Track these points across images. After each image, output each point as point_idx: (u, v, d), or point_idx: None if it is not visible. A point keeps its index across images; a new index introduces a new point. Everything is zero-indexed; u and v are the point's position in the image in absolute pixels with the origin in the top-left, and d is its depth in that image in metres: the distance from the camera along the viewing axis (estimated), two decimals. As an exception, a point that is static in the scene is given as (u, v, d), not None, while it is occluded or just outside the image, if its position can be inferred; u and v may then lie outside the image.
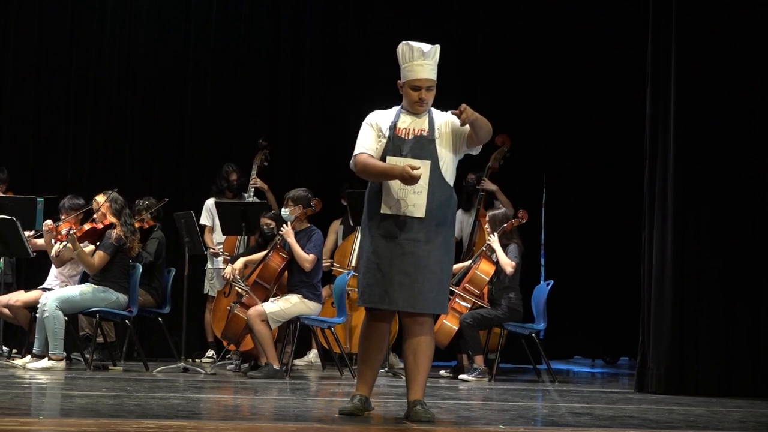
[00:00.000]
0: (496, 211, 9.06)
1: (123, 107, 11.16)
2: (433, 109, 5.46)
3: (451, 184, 5.42)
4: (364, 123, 5.47)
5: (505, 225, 8.87)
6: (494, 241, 8.80)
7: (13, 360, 8.77)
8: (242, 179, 10.26)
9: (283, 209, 8.69)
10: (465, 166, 10.09)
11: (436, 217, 5.32)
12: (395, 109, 5.48)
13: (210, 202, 10.18)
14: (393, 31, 10.58)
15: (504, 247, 8.80)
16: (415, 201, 5.29)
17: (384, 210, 5.32)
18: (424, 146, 5.33)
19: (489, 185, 10.00)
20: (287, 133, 11.35)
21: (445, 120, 5.42)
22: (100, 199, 8.78)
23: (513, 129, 10.71)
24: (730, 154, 7.59)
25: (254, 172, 10.28)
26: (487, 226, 9.06)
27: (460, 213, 10.30)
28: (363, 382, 5.49)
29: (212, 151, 10.91)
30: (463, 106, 5.23)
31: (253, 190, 10.23)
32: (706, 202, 7.58)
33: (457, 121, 5.37)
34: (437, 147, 5.35)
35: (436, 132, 5.37)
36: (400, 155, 5.31)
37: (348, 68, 11.44)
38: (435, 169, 5.31)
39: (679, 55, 7.65)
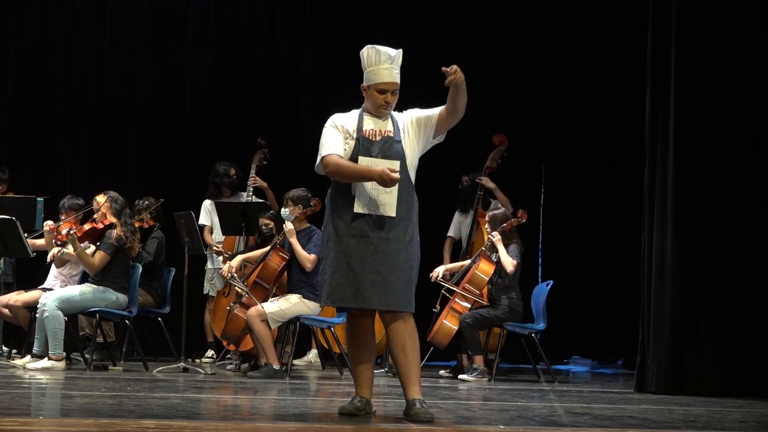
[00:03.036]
0: (497, 211, 9.07)
1: (123, 107, 11.17)
2: (393, 112, 5.50)
3: (414, 184, 5.47)
4: (327, 126, 5.49)
5: (504, 225, 8.87)
6: (497, 239, 8.79)
7: (13, 360, 8.77)
8: (241, 173, 10.27)
9: (282, 209, 8.70)
10: (461, 166, 10.21)
11: (404, 216, 5.38)
12: (356, 112, 5.52)
13: (208, 203, 10.18)
14: (393, 30, 10.64)
15: (504, 246, 8.79)
16: (386, 201, 5.34)
17: (357, 209, 5.36)
18: (392, 147, 5.39)
19: (488, 183, 10.01)
20: (286, 133, 11.36)
21: (408, 118, 5.48)
22: (101, 199, 8.78)
23: (512, 129, 10.73)
24: (730, 154, 7.59)
25: (253, 171, 10.28)
26: (486, 225, 9.06)
27: (458, 214, 10.31)
28: (360, 383, 5.50)
29: (211, 150, 10.90)
30: (454, 66, 5.24)
31: (252, 189, 10.23)
32: (706, 202, 7.58)
33: (420, 114, 5.45)
34: (404, 147, 5.42)
35: (401, 133, 5.44)
36: (370, 156, 5.36)
37: (347, 67, 11.43)
38: (403, 169, 5.37)
39: (679, 55, 7.65)
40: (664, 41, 7.73)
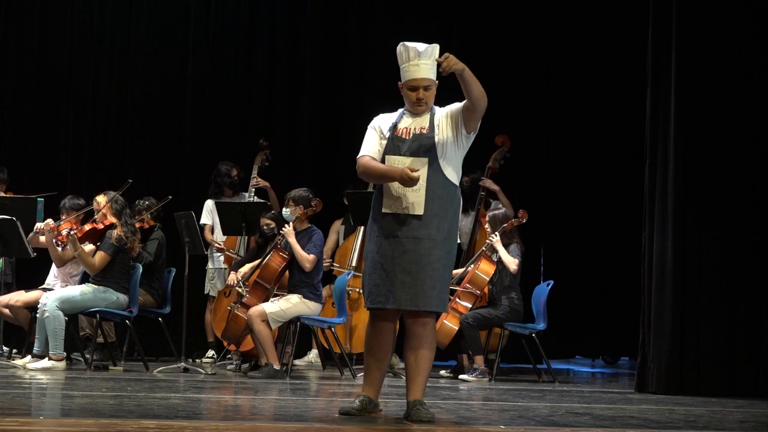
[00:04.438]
0: (497, 211, 9.06)
1: (123, 107, 11.17)
2: (436, 107, 5.46)
3: (456, 182, 5.40)
4: (369, 126, 5.50)
5: (505, 225, 8.87)
6: (496, 240, 8.80)
7: (13, 360, 8.77)
8: (242, 174, 10.28)
9: (284, 209, 8.71)
10: (463, 165, 10.21)
11: (437, 215, 5.31)
12: (400, 111, 5.50)
13: (210, 203, 10.19)
14: (393, 30, 10.64)
15: (505, 246, 8.80)
16: (413, 199, 5.30)
17: (385, 209, 5.35)
18: (422, 144, 5.34)
19: (492, 185, 10.00)
20: (287, 133, 11.36)
21: (444, 112, 5.41)
22: (101, 199, 8.78)
23: (514, 129, 10.74)
24: (730, 154, 7.59)
25: (255, 171, 10.30)
26: (487, 225, 9.06)
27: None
28: (368, 383, 5.49)
29: (212, 151, 10.90)
30: (446, 54, 5.20)
31: (254, 190, 10.25)
32: (707, 201, 7.58)
33: (453, 107, 5.39)
34: (437, 144, 5.34)
35: (436, 129, 5.36)
36: (399, 154, 5.33)
37: (348, 68, 11.44)
38: (434, 167, 5.31)
39: (679, 55, 7.65)
40: (665, 41, 7.74)
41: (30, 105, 11.06)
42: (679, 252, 7.56)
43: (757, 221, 7.56)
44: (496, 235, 8.83)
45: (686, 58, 7.63)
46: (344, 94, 11.34)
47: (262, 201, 10.12)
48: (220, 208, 9.69)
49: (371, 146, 5.42)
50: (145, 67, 11.20)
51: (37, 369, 8.18)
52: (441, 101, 5.50)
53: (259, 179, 10.27)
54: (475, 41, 11.48)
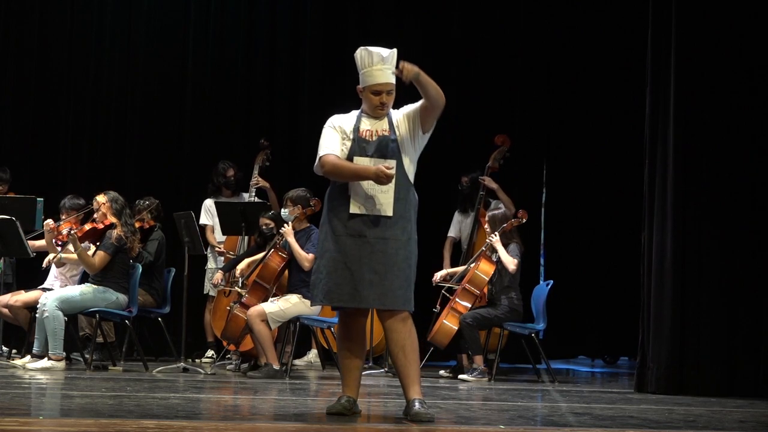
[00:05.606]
0: (496, 211, 9.06)
1: (123, 107, 11.16)
2: (391, 110, 5.51)
3: (412, 182, 5.47)
4: (326, 126, 5.51)
5: (504, 225, 8.87)
6: (496, 240, 8.80)
7: (13, 360, 8.78)
8: (239, 175, 10.27)
9: (282, 209, 8.71)
10: (461, 166, 10.22)
11: (402, 215, 5.38)
12: (355, 113, 5.53)
13: (209, 202, 10.19)
14: (393, 30, 10.64)
15: (504, 246, 8.80)
16: (383, 200, 5.35)
17: (353, 210, 5.37)
18: (387, 146, 5.40)
19: (490, 183, 10.01)
20: (287, 133, 11.35)
21: (400, 114, 5.48)
22: (101, 199, 8.78)
23: (513, 129, 10.74)
24: (730, 154, 7.59)
25: (256, 171, 10.29)
26: (486, 226, 9.06)
27: (457, 214, 10.31)
28: (348, 382, 5.51)
29: (212, 151, 10.90)
30: (402, 64, 5.27)
31: (254, 190, 10.25)
32: (706, 200, 7.58)
33: (409, 108, 5.45)
34: (399, 146, 5.41)
35: (396, 131, 5.43)
36: (366, 156, 5.37)
37: (348, 67, 11.38)
38: (399, 168, 5.37)
39: (679, 55, 7.65)
40: (665, 41, 7.73)
41: (30, 105, 11.06)
42: (678, 252, 7.56)
43: (757, 221, 7.56)
44: (495, 235, 8.83)
45: (686, 58, 7.63)
46: (343, 92, 11.31)
47: (261, 201, 10.12)
48: (220, 208, 9.70)
49: (334, 145, 5.43)
50: (145, 67, 11.20)
51: (37, 369, 8.18)
52: (397, 103, 5.53)
53: (259, 179, 10.27)
54: (475, 41, 11.48)
